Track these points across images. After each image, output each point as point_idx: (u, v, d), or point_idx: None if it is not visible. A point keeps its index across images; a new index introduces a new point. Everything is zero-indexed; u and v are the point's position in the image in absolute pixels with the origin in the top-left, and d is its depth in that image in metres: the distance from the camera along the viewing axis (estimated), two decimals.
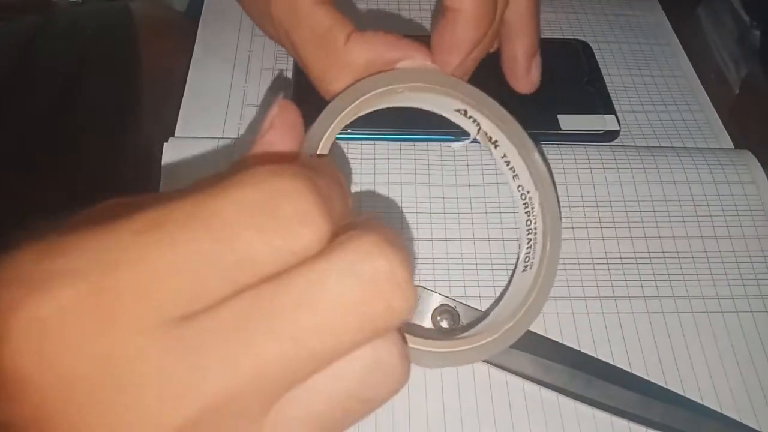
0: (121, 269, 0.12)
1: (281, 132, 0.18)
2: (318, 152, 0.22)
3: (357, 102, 0.24)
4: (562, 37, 0.42)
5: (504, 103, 0.37)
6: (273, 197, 0.13)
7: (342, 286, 0.13)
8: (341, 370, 0.14)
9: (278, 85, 0.39)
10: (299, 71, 0.39)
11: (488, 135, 0.27)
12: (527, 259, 0.27)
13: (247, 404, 0.13)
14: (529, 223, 0.27)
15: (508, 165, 0.27)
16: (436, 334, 0.25)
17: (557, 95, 0.38)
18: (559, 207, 0.26)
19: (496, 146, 0.27)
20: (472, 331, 0.25)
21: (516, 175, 0.27)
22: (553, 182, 0.26)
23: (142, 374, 0.12)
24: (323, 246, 0.14)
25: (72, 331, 0.12)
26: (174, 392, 0.12)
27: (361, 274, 0.13)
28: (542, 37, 0.42)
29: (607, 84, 0.39)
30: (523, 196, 0.27)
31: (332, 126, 0.23)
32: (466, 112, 0.26)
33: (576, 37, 0.42)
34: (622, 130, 0.37)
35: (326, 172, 0.16)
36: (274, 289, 0.13)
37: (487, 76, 0.39)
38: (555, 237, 0.26)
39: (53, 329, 0.12)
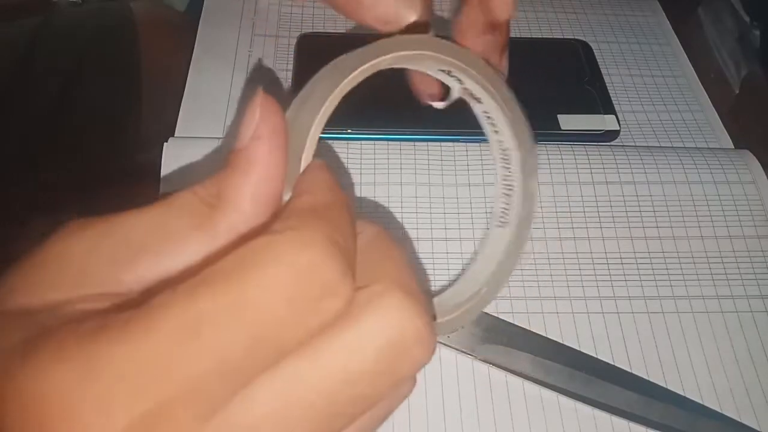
0: (167, 384, 0.12)
1: (268, 143, 0.16)
2: (305, 150, 0.20)
3: (347, 80, 0.23)
4: (562, 37, 0.42)
5: None
6: (302, 275, 0.13)
7: (373, 354, 0.14)
8: (368, 414, 0.15)
9: (260, 76, 0.39)
10: (299, 70, 0.39)
11: (471, 92, 0.26)
12: (503, 216, 0.26)
13: None
14: (507, 178, 0.27)
15: (489, 120, 0.27)
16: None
17: (557, 95, 0.38)
18: (536, 168, 0.26)
19: (478, 102, 0.26)
20: (453, 293, 0.25)
21: (497, 130, 0.27)
22: (535, 145, 0.26)
23: None
24: (350, 300, 0.14)
25: None
26: None
27: (390, 340, 0.14)
28: (542, 37, 0.42)
29: (607, 84, 0.39)
30: (504, 153, 0.27)
31: (321, 111, 0.21)
32: (449, 71, 0.25)
33: (576, 37, 0.42)
34: (622, 130, 0.37)
35: (335, 207, 0.15)
36: (309, 364, 0.13)
37: None
38: (532, 197, 0.26)
39: None
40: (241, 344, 0.13)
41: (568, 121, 0.37)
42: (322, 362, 0.13)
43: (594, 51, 0.41)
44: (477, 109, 0.27)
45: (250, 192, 0.15)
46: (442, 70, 0.25)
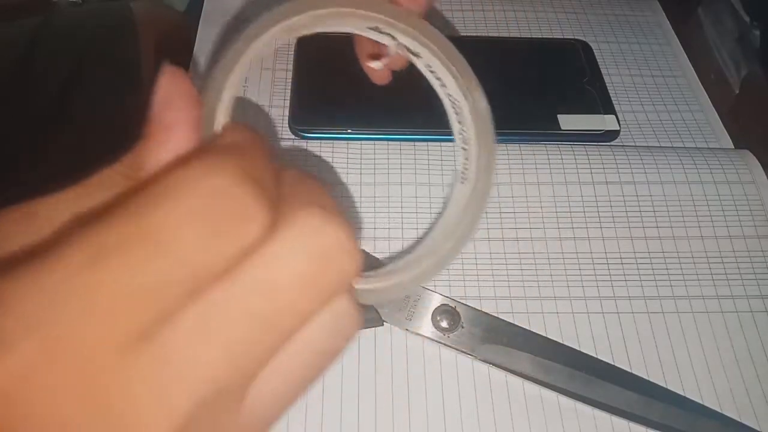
0: (72, 312, 0.12)
1: (182, 108, 0.16)
2: (220, 112, 0.20)
3: (260, 39, 0.22)
4: (562, 37, 0.42)
5: (506, 102, 0.37)
6: (211, 200, 0.13)
7: (296, 265, 0.14)
8: (305, 335, 0.14)
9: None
10: (299, 70, 0.39)
11: (407, 47, 0.25)
12: (464, 172, 0.26)
13: (225, 398, 0.13)
14: (462, 132, 0.26)
15: (433, 74, 0.26)
16: (377, 268, 0.24)
17: (557, 95, 0.38)
18: (490, 115, 0.25)
19: (417, 57, 0.25)
20: (414, 255, 0.23)
21: (443, 84, 0.26)
22: (483, 91, 0.25)
23: (122, 396, 0.12)
24: (268, 226, 0.14)
25: (42, 385, 0.12)
26: (154, 408, 0.12)
27: (311, 250, 0.14)
28: (542, 37, 0.42)
29: (607, 84, 0.39)
30: (454, 105, 0.26)
31: (235, 72, 0.20)
32: (378, 29, 0.25)
33: (576, 37, 0.42)
34: (622, 130, 0.37)
35: (246, 143, 0.15)
36: (231, 283, 0.13)
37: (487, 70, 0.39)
38: (488, 146, 0.25)
39: (19, 393, 0.12)
40: (151, 272, 0.12)
41: (568, 121, 0.37)
42: (245, 280, 0.13)
43: (594, 51, 0.41)
44: (419, 63, 0.26)
45: (168, 158, 0.15)
46: (371, 28, 0.25)
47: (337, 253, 0.14)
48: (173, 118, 0.16)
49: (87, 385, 0.12)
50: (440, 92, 0.26)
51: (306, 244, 0.14)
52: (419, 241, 0.26)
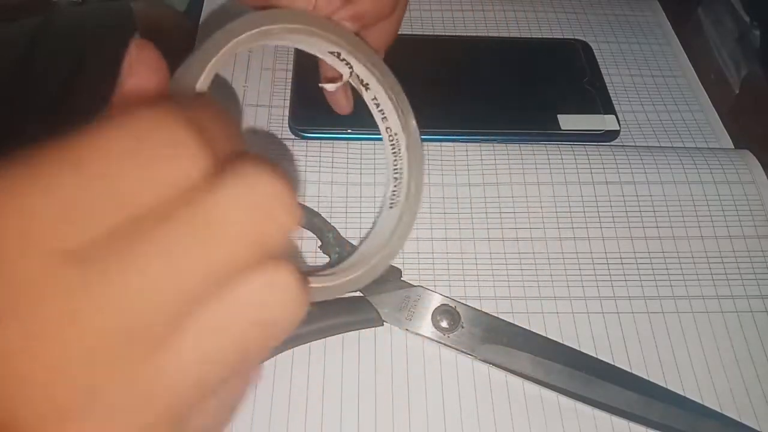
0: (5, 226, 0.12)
1: (145, 77, 0.16)
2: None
3: (232, 43, 0.23)
4: (562, 37, 0.42)
5: (505, 103, 0.37)
6: (144, 131, 0.13)
7: (232, 211, 0.13)
8: (236, 293, 0.14)
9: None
10: (299, 70, 0.39)
11: (360, 78, 0.27)
12: (393, 197, 0.27)
13: (142, 334, 0.13)
14: (396, 163, 0.27)
15: (377, 107, 0.27)
16: (311, 271, 0.26)
17: (557, 95, 0.38)
18: (422, 150, 0.27)
19: (367, 89, 0.27)
20: (344, 264, 0.26)
21: (385, 117, 0.27)
22: (417, 127, 0.27)
23: (41, 314, 0.12)
24: (208, 177, 0.13)
25: None
26: (72, 327, 0.12)
27: (249, 198, 0.14)
28: (542, 37, 0.42)
29: (607, 84, 0.39)
30: (391, 138, 0.27)
31: (207, 68, 0.22)
32: (339, 54, 0.26)
33: (576, 37, 0.42)
34: (622, 130, 0.37)
35: (204, 106, 0.15)
36: (164, 220, 0.13)
37: (489, 70, 0.39)
38: (418, 177, 0.27)
39: None
40: (83, 193, 0.12)
41: (568, 121, 0.37)
42: (180, 221, 0.13)
43: (594, 51, 0.41)
44: (366, 97, 0.28)
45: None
46: (332, 53, 0.26)
47: (275, 204, 0.14)
48: (139, 83, 0.16)
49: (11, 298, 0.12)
50: (380, 125, 0.28)
51: (245, 192, 0.13)
52: (344, 258, 0.27)
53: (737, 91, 0.41)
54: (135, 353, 0.13)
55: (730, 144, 0.38)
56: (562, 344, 0.29)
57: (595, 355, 0.29)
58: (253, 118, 0.36)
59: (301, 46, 0.27)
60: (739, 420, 0.28)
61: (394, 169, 0.27)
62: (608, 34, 0.43)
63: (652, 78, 0.41)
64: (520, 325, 0.29)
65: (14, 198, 0.12)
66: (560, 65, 0.41)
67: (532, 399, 0.28)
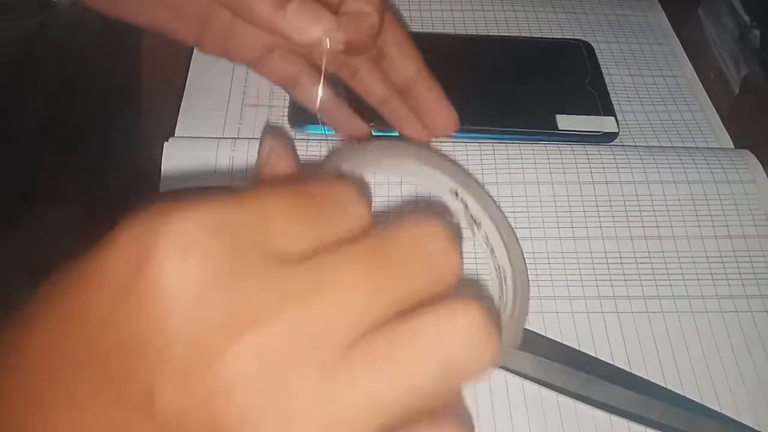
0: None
1: (277, 165, 0.22)
2: None
3: (365, 162, 0.28)
4: (562, 36, 0.42)
5: (504, 102, 0.37)
6: (423, 239, 0.15)
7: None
8: (425, 329, 0.15)
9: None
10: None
11: (473, 216, 0.30)
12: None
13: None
14: (501, 294, 0.29)
15: (487, 245, 0.30)
16: None
17: (557, 95, 0.38)
18: (528, 283, 0.29)
19: (478, 227, 0.30)
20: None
21: (492, 251, 0.30)
22: (525, 261, 0.29)
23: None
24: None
25: (261, 377, 0.13)
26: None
27: (422, 237, 0.16)
28: (545, 37, 0.42)
29: (607, 84, 0.39)
30: (498, 270, 0.30)
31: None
32: (457, 193, 0.30)
33: (578, 38, 0.42)
34: (621, 130, 0.37)
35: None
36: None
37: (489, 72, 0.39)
38: (523, 309, 0.28)
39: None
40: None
41: (567, 122, 0.37)
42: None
43: (593, 49, 0.41)
44: (478, 233, 0.30)
45: None
46: (452, 191, 0.30)
47: (446, 244, 0.16)
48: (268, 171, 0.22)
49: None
50: (491, 259, 0.30)
51: (419, 231, 0.16)
52: None
53: (737, 91, 0.41)
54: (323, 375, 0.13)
55: (730, 144, 0.38)
56: (562, 344, 0.29)
57: (594, 355, 0.29)
58: (253, 118, 0.36)
59: (422, 181, 0.31)
60: (738, 419, 0.28)
61: (500, 298, 0.29)
62: (608, 34, 0.43)
63: (652, 78, 0.41)
64: None
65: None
66: (562, 65, 0.41)
67: (532, 399, 0.28)
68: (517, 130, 0.36)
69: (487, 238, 0.29)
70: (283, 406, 0.13)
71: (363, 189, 0.19)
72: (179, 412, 0.12)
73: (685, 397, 0.28)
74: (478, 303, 0.15)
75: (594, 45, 0.42)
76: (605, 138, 0.37)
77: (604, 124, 0.37)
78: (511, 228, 0.29)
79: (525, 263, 0.29)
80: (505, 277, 0.29)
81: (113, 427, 0.13)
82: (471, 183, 0.29)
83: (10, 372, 0.14)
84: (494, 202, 0.30)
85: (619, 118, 0.38)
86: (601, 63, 0.41)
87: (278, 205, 0.15)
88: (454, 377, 0.14)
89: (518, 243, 0.29)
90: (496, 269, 0.29)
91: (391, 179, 0.33)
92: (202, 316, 0.13)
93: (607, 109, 0.38)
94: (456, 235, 0.16)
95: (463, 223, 0.30)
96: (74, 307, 0.13)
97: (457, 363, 0.14)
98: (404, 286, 0.15)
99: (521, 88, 0.39)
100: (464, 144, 0.35)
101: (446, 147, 0.35)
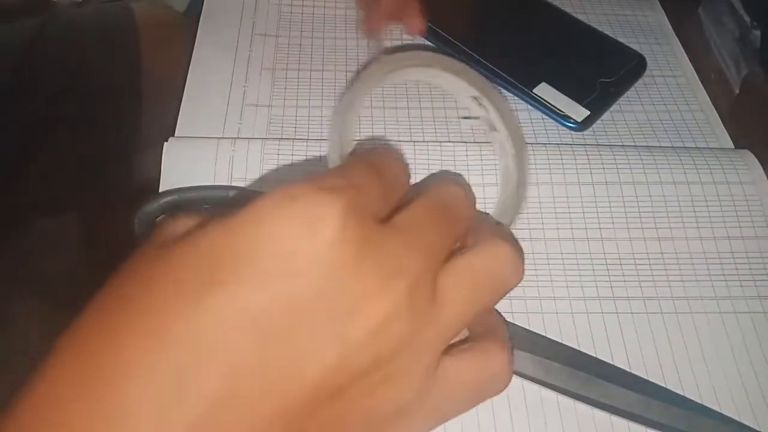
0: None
1: None
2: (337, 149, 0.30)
3: (391, 73, 0.32)
4: (626, 41, 0.42)
5: (513, 49, 0.41)
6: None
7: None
8: (482, 251, 0.20)
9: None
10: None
11: (491, 120, 0.33)
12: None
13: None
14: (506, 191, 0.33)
15: (500, 148, 0.34)
16: None
17: (564, 72, 0.39)
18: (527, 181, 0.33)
19: (494, 131, 0.34)
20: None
21: (505, 158, 0.33)
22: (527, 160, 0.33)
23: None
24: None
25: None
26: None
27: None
28: (616, 38, 0.42)
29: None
30: (505, 170, 0.34)
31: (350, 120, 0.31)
32: (478, 99, 0.33)
33: (642, 51, 0.41)
34: (621, 130, 0.37)
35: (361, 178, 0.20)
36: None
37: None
38: (517, 212, 0.32)
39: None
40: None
41: (545, 91, 0.38)
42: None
43: (646, 69, 0.40)
44: (492, 137, 0.34)
45: None
46: (473, 97, 0.34)
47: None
48: None
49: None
50: (499, 161, 0.34)
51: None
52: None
53: (737, 91, 0.41)
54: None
55: (730, 144, 0.38)
56: (562, 344, 0.29)
57: (594, 355, 0.29)
58: (253, 118, 0.36)
59: (445, 86, 0.36)
60: (738, 419, 0.28)
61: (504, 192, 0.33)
62: (608, 34, 0.43)
63: (652, 78, 0.41)
64: (519, 324, 0.29)
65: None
66: (603, 60, 0.40)
67: (532, 399, 0.28)
68: (498, 72, 0.39)
69: (502, 144, 0.33)
70: (419, 327, 0.16)
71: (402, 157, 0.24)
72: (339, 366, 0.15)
73: (684, 397, 0.28)
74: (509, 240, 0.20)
75: None
76: (567, 121, 0.37)
77: (575, 111, 0.37)
78: (523, 138, 0.33)
79: (528, 170, 0.33)
80: (509, 175, 0.33)
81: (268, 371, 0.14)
82: (492, 91, 0.33)
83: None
84: (511, 111, 0.33)
85: (618, 118, 0.38)
86: None
87: (371, 180, 0.18)
88: (504, 291, 0.20)
89: (527, 150, 0.33)
90: (504, 168, 0.33)
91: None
92: (365, 268, 0.16)
93: (592, 107, 0.37)
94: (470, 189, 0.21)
95: (483, 127, 0.34)
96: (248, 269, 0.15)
97: (507, 280, 0.20)
98: (453, 231, 0.19)
99: (541, 50, 0.41)
100: (464, 146, 0.35)
101: (447, 149, 0.35)
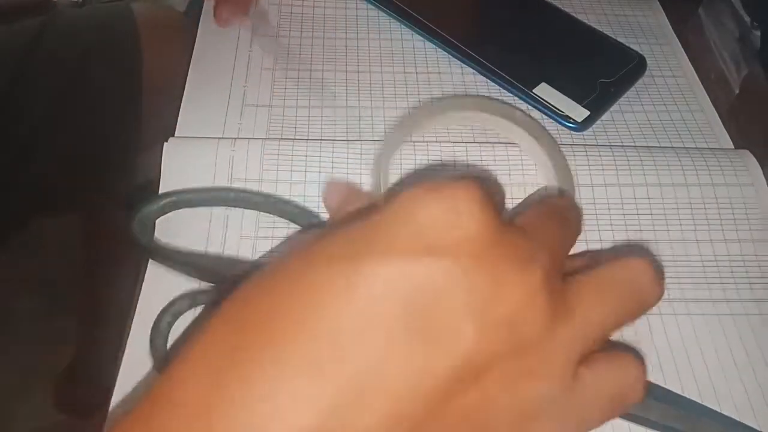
0: None
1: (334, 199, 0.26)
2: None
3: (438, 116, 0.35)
4: (626, 42, 0.42)
5: (514, 50, 0.41)
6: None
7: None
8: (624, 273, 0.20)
9: None
10: None
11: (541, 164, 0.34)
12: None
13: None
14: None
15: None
16: None
17: (564, 72, 0.39)
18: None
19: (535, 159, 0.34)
20: None
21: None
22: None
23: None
24: None
25: None
26: None
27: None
28: (616, 38, 0.42)
29: None
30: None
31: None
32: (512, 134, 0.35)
33: (642, 51, 0.41)
34: (621, 130, 0.37)
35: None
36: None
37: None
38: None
39: None
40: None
41: (545, 91, 0.38)
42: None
43: (646, 70, 0.40)
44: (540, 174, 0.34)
45: None
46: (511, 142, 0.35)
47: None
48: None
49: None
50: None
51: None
52: None
53: (737, 91, 0.41)
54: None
55: (729, 144, 0.38)
56: None
57: None
58: (253, 118, 0.36)
59: (488, 126, 0.36)
60: (738, 420, 0.28)
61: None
62: (608, 34, 0.43)
63: (652, 78, 0.41)
64: None
65: None
66: (603, 61, 0.40)
67: None
68: (498, 72, 0.39)
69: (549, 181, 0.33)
70: (553, 323, 0.17)
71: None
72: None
73: (685, 398, 0.28)
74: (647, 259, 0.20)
75: None
76: (567, 121, 0.37)
77: (575, 111, 0.37)
78: (571, 179, 0.33)
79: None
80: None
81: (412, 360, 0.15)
82: (543, 134, 0.34)
83: None
84: (561, 152, 0.34)
85: (618, 118, 0.38)
86: None
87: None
88: (642, 306, 0.19)
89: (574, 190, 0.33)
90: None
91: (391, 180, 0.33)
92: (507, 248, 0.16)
93: (592, 107, 0.37)
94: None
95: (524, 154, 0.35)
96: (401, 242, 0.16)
97: (646, 295, 0.19)
98: (568, 237, 0.20)
99: (541, 50, 0.41)
100: (464, 146, 0.35)
101: (447, 150, 0.35)
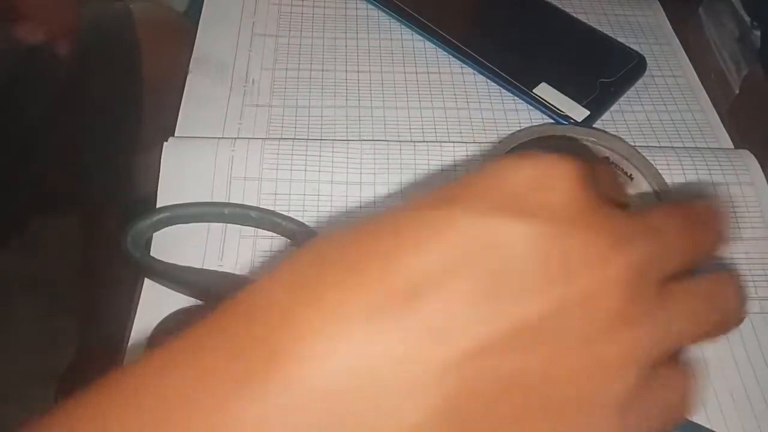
0: None
1: None
2: None
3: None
4: (626, 42, 0.42)
5: (515, 50, 0.40)
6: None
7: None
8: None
9: None
10: None
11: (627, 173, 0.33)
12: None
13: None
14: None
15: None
16: None
17: (564, 72, 0.39)
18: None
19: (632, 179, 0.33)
20: None
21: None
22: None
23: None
24: None
25: None
26: None
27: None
28: (616, 38, 0.42)
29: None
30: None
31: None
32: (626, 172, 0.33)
33: (642, 51, 0.41)
34: (621, 129, 0.37)
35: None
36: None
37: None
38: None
39: None
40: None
41: (544, 91, 0.38)
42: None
43: (646, 70, 0.40)
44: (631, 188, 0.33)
45: None
46: (605, 157, 0.34)
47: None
48: None
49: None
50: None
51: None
52: None
53: (737, 91, 0.41)
54: None
55: (729, 144, 0.38)
56: None
57: None
58: (253, 118, 0.36)
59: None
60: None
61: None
62: (608, 34, 0.43)
63: (652, 78, 0.41)
64: None
65: None
66: (602, 58, 0.40)
67: None
68: (498, 72, 0.39)
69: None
70: (633, 315, 0.15)
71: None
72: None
73: (704, 428, 0.28)
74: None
75: None
76: (567, 121, 0.37)
77: (575, 111, 0.37)
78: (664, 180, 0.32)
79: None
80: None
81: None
82: (636, 156, 0.33)
83: None
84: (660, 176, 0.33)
85: (618, 118, 0.38)
86: None
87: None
88: (723, 326, 0.18)
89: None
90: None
91: (392, 180, 0.33)
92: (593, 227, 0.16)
93: (592, 107, 0.37)
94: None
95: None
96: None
97: (729, 317, 0.18)
98: (698, 244, 0.18)
99: (541, 50, 0.41)
100: (464, 146, 0.35)
101: (447, 150, 0.35)
